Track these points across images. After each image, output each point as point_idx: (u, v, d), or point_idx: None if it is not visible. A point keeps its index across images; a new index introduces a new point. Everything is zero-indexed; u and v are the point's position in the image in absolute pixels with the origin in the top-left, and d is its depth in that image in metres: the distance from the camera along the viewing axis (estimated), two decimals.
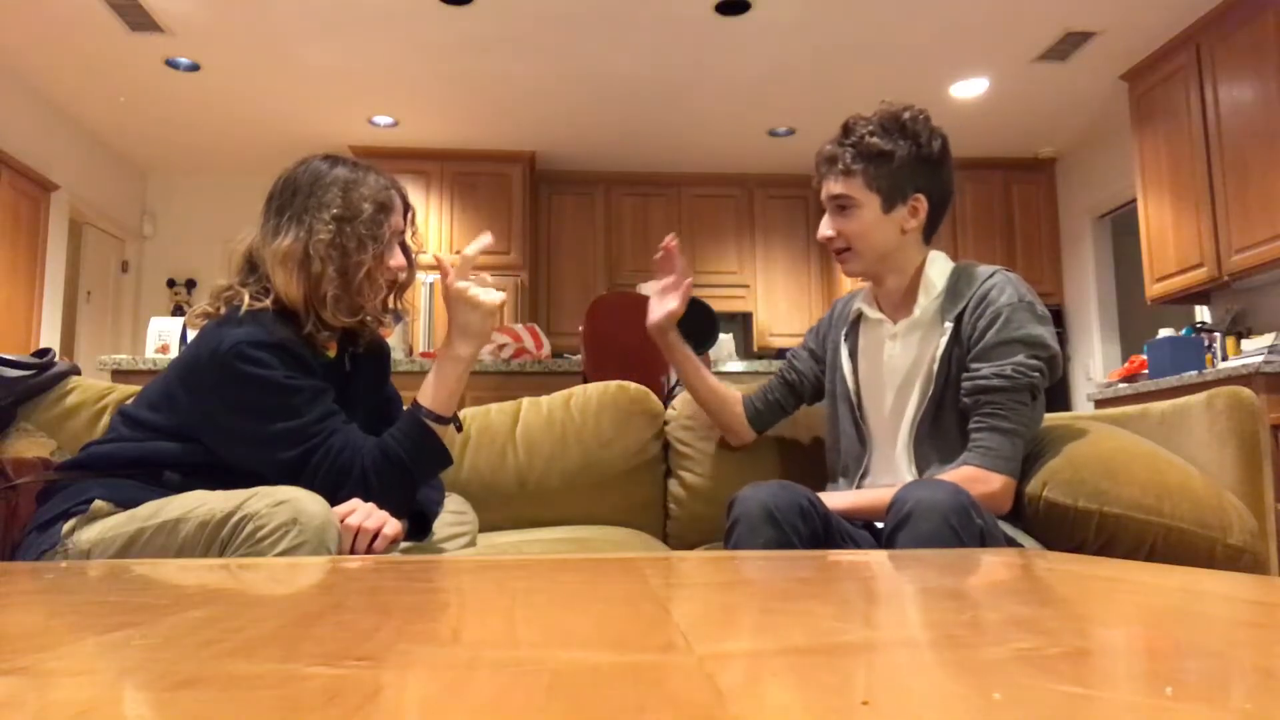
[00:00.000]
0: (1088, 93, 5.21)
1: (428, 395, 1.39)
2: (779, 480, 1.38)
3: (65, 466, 1.40)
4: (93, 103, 5.43)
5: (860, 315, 1.65)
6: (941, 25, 4.50)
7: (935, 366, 1.49)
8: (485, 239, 1.43)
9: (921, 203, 1.52)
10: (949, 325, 1.49)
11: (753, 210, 6.69)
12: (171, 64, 4.91)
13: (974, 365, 1.46)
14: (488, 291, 1.43)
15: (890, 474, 1.55)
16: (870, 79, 4.98)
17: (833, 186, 1.54)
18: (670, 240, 1.72)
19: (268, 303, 1.38)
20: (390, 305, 1.52)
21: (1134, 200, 4.93)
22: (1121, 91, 4.98)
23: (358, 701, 0.35)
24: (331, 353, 1.47)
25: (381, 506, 1.31)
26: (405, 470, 1.35)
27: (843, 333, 1.67)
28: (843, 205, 1.53)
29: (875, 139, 1.50)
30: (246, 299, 1.39)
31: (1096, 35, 4.57)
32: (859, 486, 1.59)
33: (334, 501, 1.27)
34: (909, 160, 1.50)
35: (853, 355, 1.64)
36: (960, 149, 6.99)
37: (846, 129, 1.53)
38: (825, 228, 1.57)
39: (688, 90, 5.28)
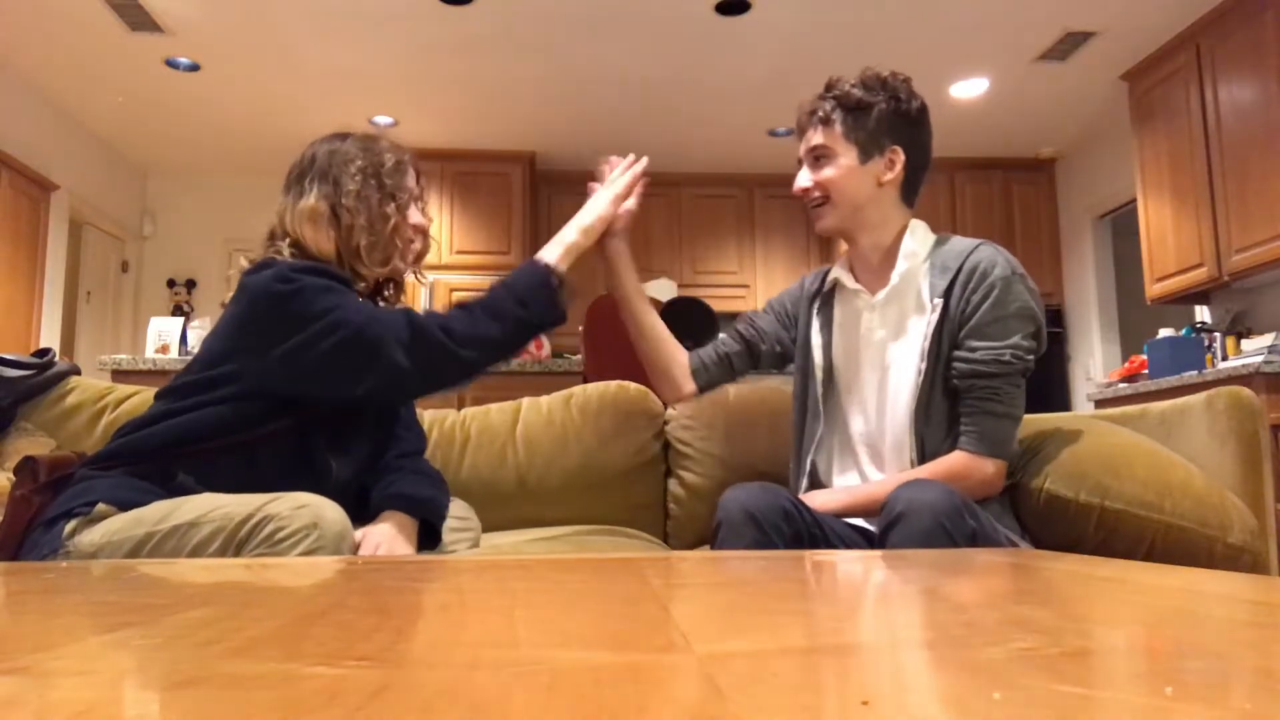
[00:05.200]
0: (1088, 93, 5.21)
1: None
2: (761, 483, 1.37)
3: (96, 460, 1.38)
4: (93, 103, 5.43)
5: (834, 287, 1.63)
6: (941, 25, 4.50)
7: (926, 344, 1.46)
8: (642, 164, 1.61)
9: (899, 155, 1.52)
10: (938, 301, 1.47)
11: (753, 210, 6.69)
12: (171, 64, 4.90)
13: (969, 343, 1.44)
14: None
15: (871, 455, 1.53)
16: None
17: (811, 137, 1.55)
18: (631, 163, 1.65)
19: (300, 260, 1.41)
20: (413, 270, 1.56)
21: (1134, 200, 4.93)
22: (1121, 91, 4.98)
23: (358, 701, 0.35)
24: None
25: (463, 346, 1.30)
26: (498, 305, 1.35)
27: (814, 306, 1.64)
28: (819, 155, 1.54)
29: (856, 91, 1.52)
30: (287, 256, 1.42)
31: (1096, 35, 4.57)
32: (820, 465, 1.57)
33: (435, 372, 1.30)
34: (887, 114, 1.51)
35: (825, 328, 1.61)
36: (960, 149, 6.97)
37: (828, 85, 1.56)
38: (802, 179, 1.56)
39: (688, 90, 5.28)
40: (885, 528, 1.26)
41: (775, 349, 1.68)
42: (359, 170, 1.44)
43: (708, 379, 1.68)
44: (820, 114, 1.54)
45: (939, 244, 1.54)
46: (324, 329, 1.29)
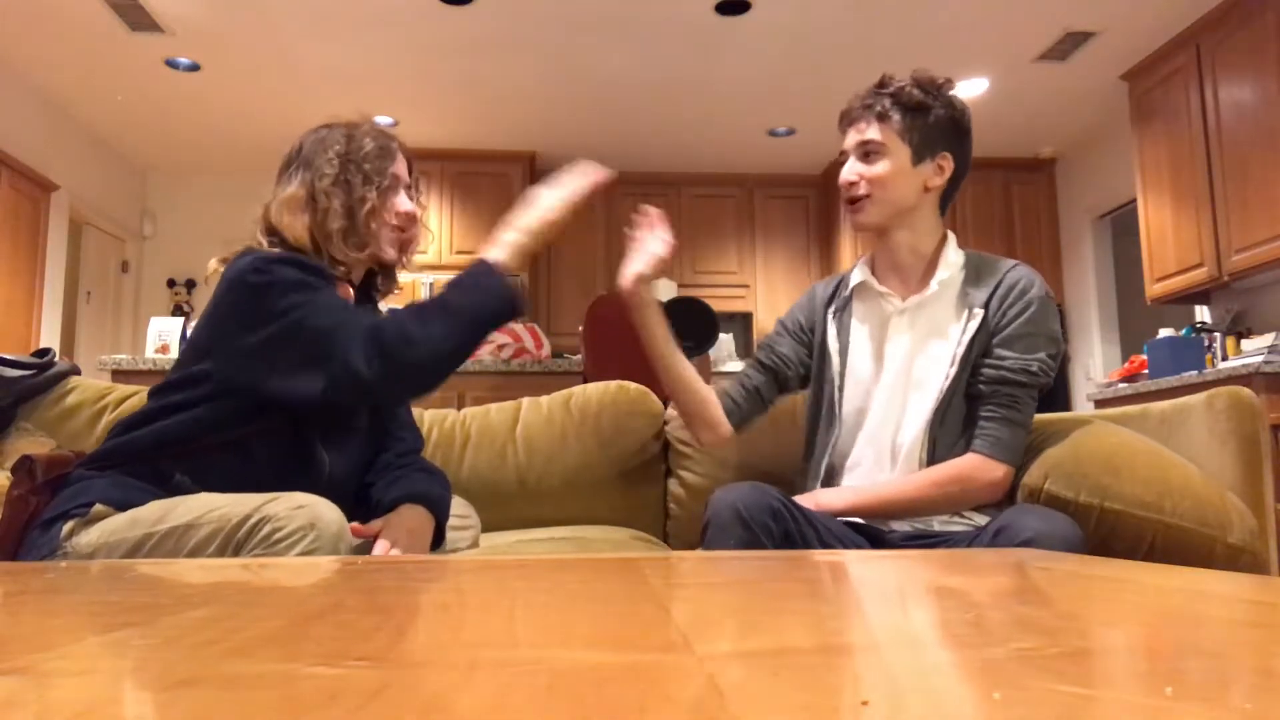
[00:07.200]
0: (1088, 93, 5.21)
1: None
2: (751, 482, 1.37)
3: (92, 460, 1.38)
4: (93, 103, 5.43)
5: (855, 290, 1.62)
6: (941, 25, 4.50)
7: (960, 351, 1.48)
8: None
9: (948, 162, 1.52)
10: (979, 311, 1.49)
11: (753, 210, 6.69)
12: (171, 64, 4.91)
13: (999, 352, 1.47)
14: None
15: (881, 456, 1.53)
16: (870, 79, 4.96)
17: (864, 130, 1.52)
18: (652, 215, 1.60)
19: (277, 249, 1.40)
20: (401, 259, 1.52)
21: (1134, 200, 4.93)
22: (1121, 91, 4.98)
23: (358, 701, 0.35)
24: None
25: (418, 346, 1.24)
26: (446, 302, 1.28)
27: (830, 310, 1.63)
28: (870, 151, 1.52)
29: (915, 91, 1.50)
30: (264, 245, 1.41)
31: (1096, 35, 4.57)
32: (830, 465, 1.56)
33: (393, 379, 1.24)
34: (944, 120, 1.51)
35: (843, 331, 1.61)
36: None
37: (882, 82, 1.54)
38: (848, 173, 1.54)
39: (688, 90, 5.27)
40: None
41: (800, 372, 1.66)
42: (336, 155, 1.42)
43: (741, 417, 1.64)
44: (878, 109, 1.51)
45: (972, 259, 1.57)
46: (288, 328, 1.27)
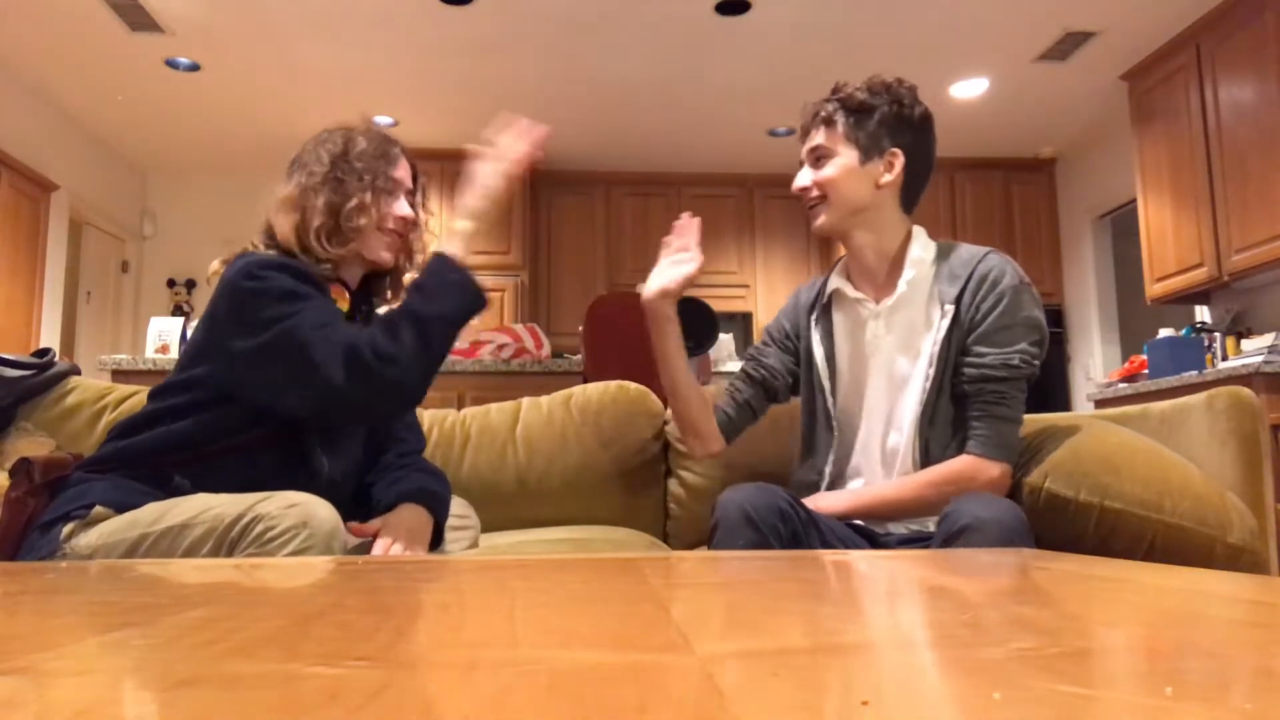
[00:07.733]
0: (1088, 93, 5.21)
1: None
2: (758, 483, 1.37)
3: (91, 462, 1.39)
4: (93, 103, 5.43)
5: (833, 296, 1.62)
6: (941, 25, 4.50)
7: (935, 350, 1.47)
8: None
9: (897, 157, 1.52)
10: (949, 308, 1.48)
11: (752, 210, 6.68)
12: (171, 64, 4.90)
13: (977, 349, 1.46)
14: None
15: (874, 462, 1.53)
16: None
17: (814, 137, 1.56)
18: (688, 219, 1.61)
19: (272, 253, 1.41)
20: (398, 262, 1.52)
21: (1134, 200, 4.93)
22: (1121, 91, 4.98)
23: (358, 701, 0.35)
24: (343, 306, 1.46)
25: (395, 363, 1.25)
26: (415, 310, 1.29)
27: (812, 317, 1.63)
28: (820, 156, 1.55)
29: (859, 94, 1.53)
30: (260, 246, 1.42)
31: (1096, 35, 4.57)
32: (831, 474, 1.56)
33: (373, 396, 1.25)
34: (890, 117, 1.52)
35: (825, 338, 1.61)
36: (960, 149, 6.98)
37: (834, 89, 1.57)
38: (801, 179, 1.57)
39: (688, 90, 5.27)
40: (946, 541, 1.26)
41: (788, 381, 1.67)
42: (328, 154, 1.43)
43: (733, 430, 1.65)
44: (823, 115, 1.55)
45: (943, 251, 1.55)
46: (273, 339, 1.27)
